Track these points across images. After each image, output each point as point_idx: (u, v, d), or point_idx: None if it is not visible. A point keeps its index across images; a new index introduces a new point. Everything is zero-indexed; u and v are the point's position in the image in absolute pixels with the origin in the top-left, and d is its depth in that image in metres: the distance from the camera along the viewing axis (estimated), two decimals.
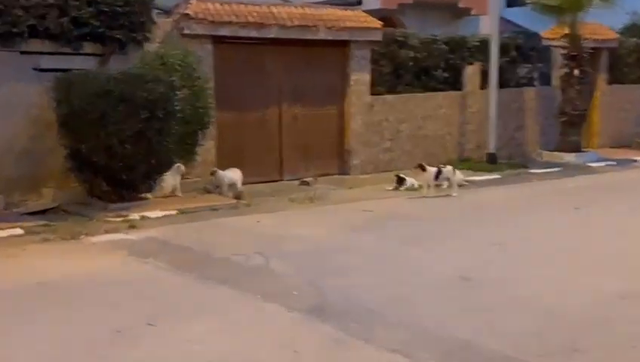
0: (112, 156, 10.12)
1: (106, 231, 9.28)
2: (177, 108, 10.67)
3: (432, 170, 11.97)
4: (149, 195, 11.10)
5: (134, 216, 10.07)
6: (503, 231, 9.42)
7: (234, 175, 11.96)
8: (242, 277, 7.25)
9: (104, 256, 8.12)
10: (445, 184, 12.32)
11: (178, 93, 10.75)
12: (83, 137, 10.16)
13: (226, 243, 8.75)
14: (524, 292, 6.80)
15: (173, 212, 10.40)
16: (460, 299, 6.59)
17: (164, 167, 10.87)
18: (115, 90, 9.95)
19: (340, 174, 14.26)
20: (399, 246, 8.61)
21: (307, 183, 13.08)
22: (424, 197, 11.88)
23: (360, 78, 14.24)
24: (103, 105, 9.91)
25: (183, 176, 11.80)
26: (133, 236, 9.07)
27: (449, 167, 12.37)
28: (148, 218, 10.04)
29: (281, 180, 13.53)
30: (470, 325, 5.89)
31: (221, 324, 5.96)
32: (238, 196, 11.52)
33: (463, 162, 15.48)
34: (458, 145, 16.01)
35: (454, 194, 12.03)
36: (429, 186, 11.96)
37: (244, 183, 12.26)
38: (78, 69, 10.57)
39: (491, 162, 15.47)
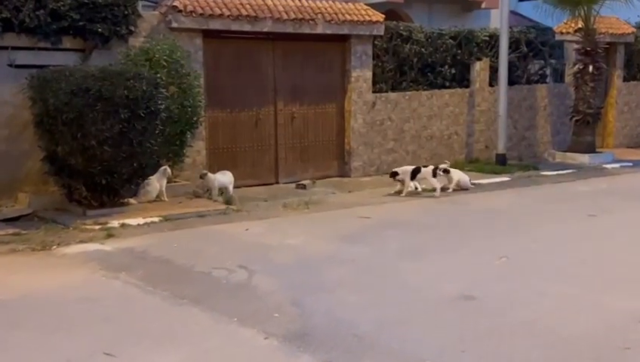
0: (90, 159, 9.55)
1: (81, 241, 8.70)
2: (162, 106, 10.09)
3: (409, 168, 11.82)
4: (132, 200, 10.53)
5: (114, 223, 9.48)
6: (511, 241, 8.78)
7: (225, 178, 11.38)
8: (221, 296, 6.61)
9: (72, 271, 7.52)
10: (417, 186, 11.98)
11: (163, 90, 10.16)
12: (59, 139, 9.57)
13: (210, 254, 8.16)
14: (532, 314, 6.14)
15: (157, 219, 9.81)
16: (461, 323, 5.93)
17: (148, 170, 10.30)
18: (92, 88, 9.37)
19: (340, 176, 13.69)
20: (396, 258, 7.97)
21: (304, 186, 12.50)
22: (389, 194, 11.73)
23: (361, 74, 13.68)
24: (80, 104, 9.34)
25: (170, 180, 11.23)
26: (108, 247, 8.46)
27: (430, 168, 11.94)
28: (128, 226, 9.46)
29: (277, 183, 13.00)
30: (473, 354, 5.22)
31: (188, 354, 5.32)
32: (228, 201, 10.91)
33: (470, 163, 15.02)
34: (466, 146, 15.44)
35: (436, 195, 11.69)
36: (406, 186, 11.77)
37: (237, 187, 11.73)
38: (57, 66, 9.92)
39: (501, 163, 14.86)
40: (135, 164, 9.90)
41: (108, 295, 6.70)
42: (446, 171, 12.17)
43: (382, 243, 8.71)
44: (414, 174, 11.91)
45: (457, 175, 12.29)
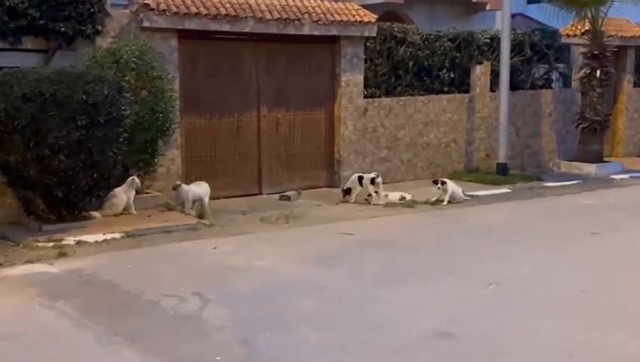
0: (45, 169, 8.80)
1: (27, 261, 7.91)
2: (126, 112, 9.29)
3: (355, 176, 11.58)
4: (96, 214, 9.75)
5: (70, 240, 8.71)
6: (502, 265, 7.92)
7: (200, 189, 10.57)
8: (161, 333, 5.77)
9: (6, 298, 6.72)
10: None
11: (127, 95, 9.34)
12: (10, 147, 8.76)
13: (165, 278, 7.36)
14: (521, 357, 5.24)
15: (118, 235, 9.02)
16: None
17: (112, 181, 9.53)
18: (46, 92, 8.57)
19: (328, 187, 12.87)
20: (372, 285, 7.13)
21: (288, 198, 11.69)
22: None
23: (352, 78, 12.84)
24: (33, 109, 8.59)
25: (141, 191, 10.45)
26: (56, 268, 7.67)
27: (372, 174, 11.50)
28: (85, 243, 8.68)
29: (260, 194, 12.19)
30: None
31: None
32: (200, 215, 10.07)
33: (470, 173, 14.23)
34: (465, 155, 14.58)
35: (378, 203, 11.24)
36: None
37: (216, 198, 11.03)
38: (12, 68, 9.13)
39: (501, 173, 14.00)
40: (95, 175, 9.13)
41: (34, 330, 5.87)
42: (443, 183, 11.32)
43: (359, 266, 7.88)
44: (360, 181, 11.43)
45: (451, 187, 11.42)
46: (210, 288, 6.94)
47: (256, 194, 12.06)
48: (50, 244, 8.51)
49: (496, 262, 8.02)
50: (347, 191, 11.48)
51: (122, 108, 9.19)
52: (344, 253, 8.44)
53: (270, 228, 9.77)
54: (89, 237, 8.81)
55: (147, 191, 10.74)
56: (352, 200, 11.35)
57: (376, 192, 11.32)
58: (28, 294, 6.79)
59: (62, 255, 8.15)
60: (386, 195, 11.40)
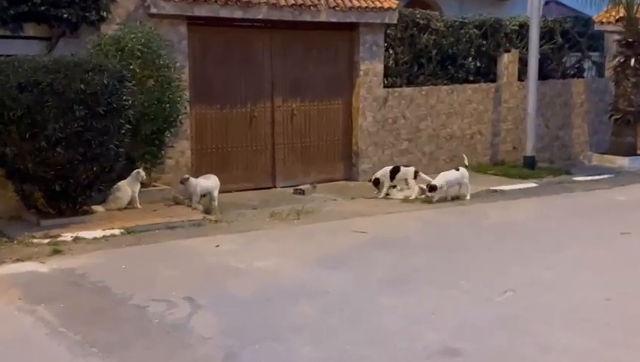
0: (42, 162, 8.37)
1: (18, 259, 7.52)
2: (128, 102, 8.84)
3: (387, 168, 10.95)
4: (99, 208, 9.39)
5: (67, 236, 8.34)
6: (522, 268, 7.31)
7: (209, 183, 10.12)
8: (141, 344, 5.31)
9: None
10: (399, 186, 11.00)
11: (129, 84, 8.88)
12: (6, 139, 8.36)
13: (158, 280, 6.91)
14: None
15: (118, 231, 8.60)
16: None
17: (112, 174, 9.07)
18: (42, 82, 8.14)
19: (346, 180, 12.37)
20: (377, 291, 6.59)
21: (302, 192, 11.21)
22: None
23: (371, 67, 12.28)
24: (29, 99, 8.16)
25: (148, 184, 10.08)
26: (46, 267, 7.26)
27: (410, 168, 10.97)
28: (82, 239, 8.30)
29: (274, 187, 11.73)
30: None
31: None
32: (207, 210, 9.60)
33: (495, 166, 13.62)
34: (490, 147, 13.96)
35: (412, 197, 10.73)
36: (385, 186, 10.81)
37: (228, 191, 10.66)
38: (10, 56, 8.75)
39: (529, 167, 13.37)
40: (95, 168, 8.70)
41: (6, 338, 5.44)
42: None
43: (367, 268, 7.34)
44: (393, 175, 10.86)
45: (442, 178, 10.80)
46: (204, 292, 6.48)
47: (269, 188, 11.62)
48: (46, 241, 8.13)
49: (516, 264, 7.42)
50: (376, 183, 10.83)
51: (124, 98, 8.75)
52: (353, 253, 7.91)
53: (279, 224, 9.28)
54: (87, 234, 8.43)
55: (155, 184, 10.38)
56: (382, 196, 10.74)
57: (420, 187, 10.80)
58: (10, 297, 6.38)
59: (56, 252, 7.76)
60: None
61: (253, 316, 5.92)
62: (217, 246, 8.10)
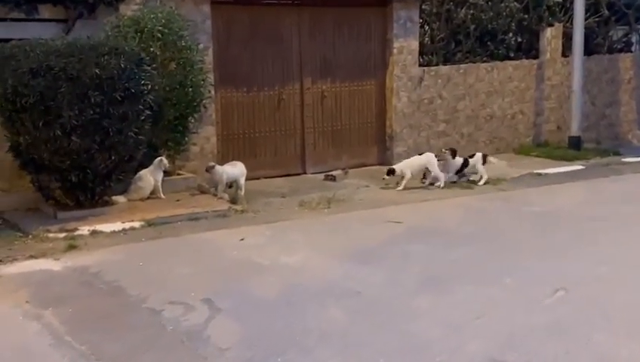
0: (57, 152, 7.95)
1: (31, 256, 7.10)
2: (146, 87, 8.35)
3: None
4: (121, 198, 8.98)
5: (84, 229, 7.91)
6: (573, 263, 6.68)
7: (235, 170, 9.65)
8: (151, 356, 4.82)
9: None
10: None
11: (148, 68, 8.40)
12: (19, 127, 7.94)
13: (176, 279, 6.43)
14: None
15: (138, 224, 8.15)
16: None
17: (132, 163, 8.64)
18: (55, 67, 7.68)
19: (380, 165, 11.76)
20: (413, 290, 6.04)
21: (333, 178, 10.70)
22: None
23: (405, 44, 11.65)
24: (41, 85, 7.71)
25: (172, 173, 9.67)
26: (59, 265, 6.84)
27: (479, 154, 10.47)
28: (100, 233, 7.86)
29: (304, 173, 11.25)
30: None
31: None
32: (233, 200, 9.11)
33: (539, 147, 13.02)
34: (533, 127, 13.28)
35: (480, 183, 10.19)
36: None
37: (256, 178, 10.26)
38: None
39: (574, 148, 12.71)
40: (114, 157, 8.26)
41: (5, 349, 4.96)
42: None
43: (402, 264, 6.78)
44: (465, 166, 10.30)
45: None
46: (225, 293, 5.99)
47: (299, 174, 11.13)
48: (62, 235, 7.71)
49: (565, 258, 6.80)
50: (391, 172, 10.22)
51: (142, 82, 8.25)
52: (387, 246, 7.37)
53: (309, 214, 8.78)
54: (106, 227, 7.99)
55: (179, 172, 9.94)
56: (401, 188, 10.06)
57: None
58: (17, 299, 5.94)
59: (71, 248, 7.33)
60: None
61: (276, 322, 5.39)
62: (242, 239, 7.61)
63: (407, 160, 10.26)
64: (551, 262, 6.71)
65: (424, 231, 7.92)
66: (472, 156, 10.36)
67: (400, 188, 9.96)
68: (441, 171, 10.07)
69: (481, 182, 10.17)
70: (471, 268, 6.59)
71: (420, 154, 10.39)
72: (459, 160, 10.26)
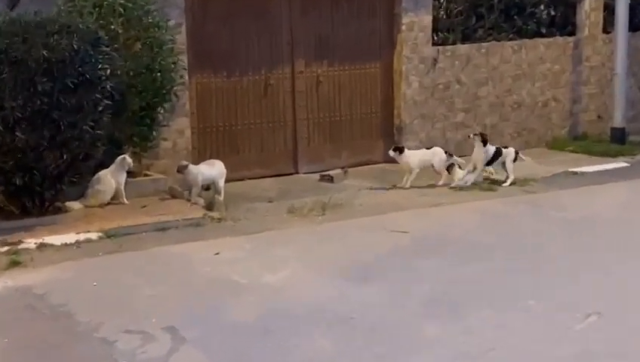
0: None
1: None
2: (105, 72, 8.38)
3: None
4: (75, 205, 9.02)
5: (30, 242, 7.89)
6: (611, 280, 6.62)
7: (212, 171, 9.68)
8: None
9: None
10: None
11: (107, 49, 8.47)
12: None
13: (137, 301, 6.38)
14: None
15: (95, 235, 8.13)
16: None
17: (88, 162, 8.65)
18: None
19: (387, 162, 11.65)
20: (420, 315, 5.95)
21: (330, 179, 10.76)
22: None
23: (416, 20, 11.68)
24: None
25: (136, 173, 9.73)
26: None
27: (511, 150, 10.35)
28: (49, 246, 7.81)
29: (296, 173, 11.32)
30: None
31: None
32: (209, 205, 9.08)
33: (576, 141, 13.06)
34: (569, 117, 13.31)
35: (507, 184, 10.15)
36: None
37: (239, 179, 10.40)
38: None
39: (617, 141, 12.75)
40: (66, 155, 8.25)
41: None
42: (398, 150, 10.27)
43: (407, 282, 6.71)
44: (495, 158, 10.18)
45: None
46: (192, 319, 5.93)
47: (290, 174, 11.20)
48: (3, 249, 7.67)
49: (602, 275, 6.73)
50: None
51: (100, 67, 8.29)
52: (389, 260, 7.32)
53: (299, 222, 8.75)
54: (56, 239, 7.96)
55: (146, 173, 10.01)
56: (454, 183, 10.08)
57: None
58: None
59: (14, 264, 7.28)
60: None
61: (251, 354, 5.34)
62: (217, 253, 7.57)
63: (413, 151, 10.31)
64: (584, 281, 6.63)
65: (434, 242, 7.87)
66: (504, 148, 10.28)
67: (407, 185, 10.00)
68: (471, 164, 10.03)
69: (508, 183, 10.12)
70: (488, 288, 6.52)
71: (427, 148, 10.43)
72: (491, 148, 10.11)
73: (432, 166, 10.21)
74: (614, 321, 5.74)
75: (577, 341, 5.44)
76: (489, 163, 10.18)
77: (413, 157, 10.16)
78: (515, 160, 10.27)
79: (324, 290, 6.53)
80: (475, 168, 10.05)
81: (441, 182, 10.19)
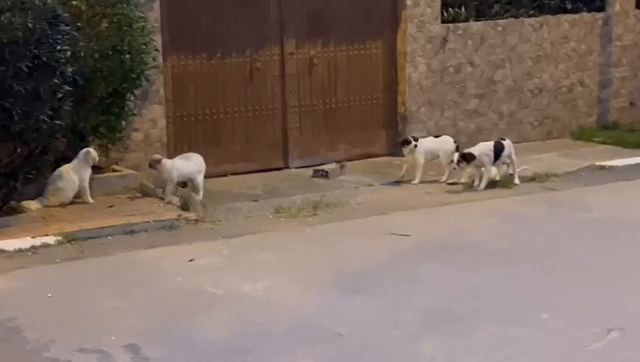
0: None
1: None
2: (65, 54, 8.44)
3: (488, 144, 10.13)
4: (33, 204, 9.11)
5: None
6: (636, 292, 6.60)
7: (189, 165, 9.78)
8: None
9: None
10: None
11: (67, 28, 8.56)
12: None
13: (96, 315, 6.36)
14: None
15: (53, 239, 8.16)
16: None
17: (46, 156, 8.77)
18: None
19: (390, 155, 11.89)
20: (418, 332, 5.89)
21: (325, 174, 10.86)
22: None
23: None
24: None
25: (103, 168, 9.82)
26: None
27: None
28: (1, 252, 7.88)
29: (287, 168, 11.44)
30: None
31: None
32: (185, 204, 9.11)
33: (605, 130, 13.23)
34: (597, 103, 13.48)
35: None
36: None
37: (221, 174, 10.60)
38: None
39: None
40: (20, 149, 8.38)
41: None
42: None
43: (405, 293, 6.68)
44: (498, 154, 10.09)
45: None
46: (158, 335, 5.90)
47: (279, 169, 11.35)
48: None
49: (628, 285, 6.74)
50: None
51: (59, 48, 8.35)
52: (386, 268, 7.32)
53: (286, 224, 8.81)
54: (9, 243, 8.01)
55: (115, 168, 10.13)
56: (463, 180, 10.11)
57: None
58: None
59: None
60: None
61: None
62: (191, 260, 7.60)
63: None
64: (607, 291, 6.62)
65: (438, 246, 7.90)
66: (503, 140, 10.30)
67: (416, 181, 10.16)
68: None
69: (517, 180, 10.16)
70: (497, 299, 6.50)
71: (435, 137, 10.51)
72: (487, 147, 10.10)
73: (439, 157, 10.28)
74: (636, 338, 5.69)
75: (595, 359, 5.40)
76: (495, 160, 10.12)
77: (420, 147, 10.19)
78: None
79: (309, 303, 6.50)
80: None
81: (444, 178, 10.24)
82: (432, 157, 10.26)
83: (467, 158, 9.78)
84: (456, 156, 9.91)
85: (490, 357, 5.46)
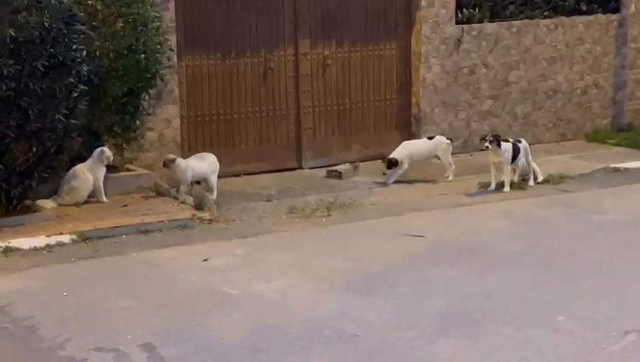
0: None
1: None
2: (80, 54, 8.50)
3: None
4: (48, 203, 9.13)
5: None
6: None
7: (203, 165, 9.82)
8: None
9: None
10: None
11: (83, 27, 8.61)
12: None
13: (111, 314, 6.37)
14: None
15: (68, 238, 8.19)
16: None
17: (61, 155, 8.82)
18: None
19: None
20: (434, 334, 5.90)
21: (339, 175, 10.85)
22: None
23: None
24: None
25: (117, 168, 9.84)
26: None
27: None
28: (16, 251, 7.89)
29: (300, 169, 11.42)
30: None
31: None
32: (199, 204, 9.12)
33: (620, 133, 13.13)
34: (612, 105, 13.39)
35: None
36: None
37: (235, 174, 10.64)
38: None
39: None
40: (35, 148, 8.45)
41: None
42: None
43: (420, 295, 6.69)
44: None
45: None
46: (172, 335, 5.91)
47: (293, 169, 11.32)
48: None
49: None
50: (392, 164, 10.28)
51: (74, 47, 8.40)
52: (400, 269, 7.33)
53: (300, 224, 8.83)
54: (24, 242, 8.03)
55: (129, 167, 10.13)
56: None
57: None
58: None
59: None
60: None
61: None
62: (205, 260, 7.62)
63: (407, 142, 10.52)
64: (623, 293, 6.62)
65: (453, 248, 7.90)
66: (519, 142, 10.23)
67: (450, 177, 10.28)
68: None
69: (532, 182, 10.16)
70: (512, 302, 6.50)
71: (429, 138, 10.57)
72: (507, 146, 10.01)
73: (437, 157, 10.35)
74: None
75: None
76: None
77: (404, 154, 10.31)
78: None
79: (324, 304, 6.52)
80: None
81: (447, 175, 10.33)
82: (427, 157, 10.51)
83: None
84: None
85: (507, 359, 5.47)
